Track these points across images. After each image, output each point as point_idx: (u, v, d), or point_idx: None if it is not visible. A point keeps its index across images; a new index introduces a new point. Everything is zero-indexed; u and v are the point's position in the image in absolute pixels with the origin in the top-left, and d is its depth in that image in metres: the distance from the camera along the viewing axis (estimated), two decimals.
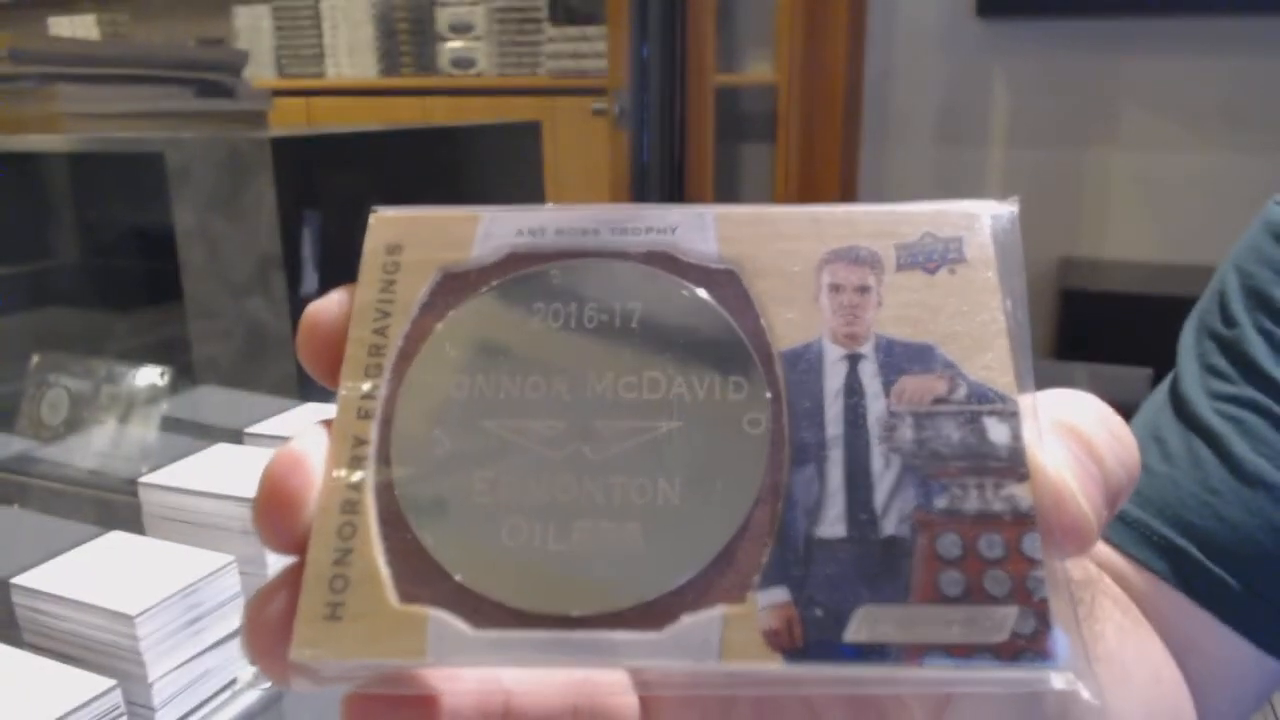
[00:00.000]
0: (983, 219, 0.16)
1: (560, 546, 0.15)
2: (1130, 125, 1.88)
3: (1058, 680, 0.13)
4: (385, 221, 0.17)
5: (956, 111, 2.00)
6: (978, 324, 0.15)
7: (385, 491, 0.15)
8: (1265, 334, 0.39)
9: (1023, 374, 0.15)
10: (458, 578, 0.14)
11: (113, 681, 0.47)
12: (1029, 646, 0.13)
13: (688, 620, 0.14)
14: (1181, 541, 0.38)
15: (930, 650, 0.14)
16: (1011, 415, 0.15)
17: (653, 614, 0.14)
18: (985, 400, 0.15)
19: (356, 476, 0.15)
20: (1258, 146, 1.80)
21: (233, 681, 0.55)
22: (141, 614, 0.49)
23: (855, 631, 0.14)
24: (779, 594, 0.14)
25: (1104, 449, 0.15)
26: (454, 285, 0.17)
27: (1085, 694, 0.13)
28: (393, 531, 0.15)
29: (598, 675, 0.15)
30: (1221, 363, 0.40)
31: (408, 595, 0.14)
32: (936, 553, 0.14)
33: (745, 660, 0.14)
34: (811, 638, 0.14)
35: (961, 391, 0.15)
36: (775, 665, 0.14)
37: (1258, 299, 0.40)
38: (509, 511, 0.15)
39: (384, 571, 0.14)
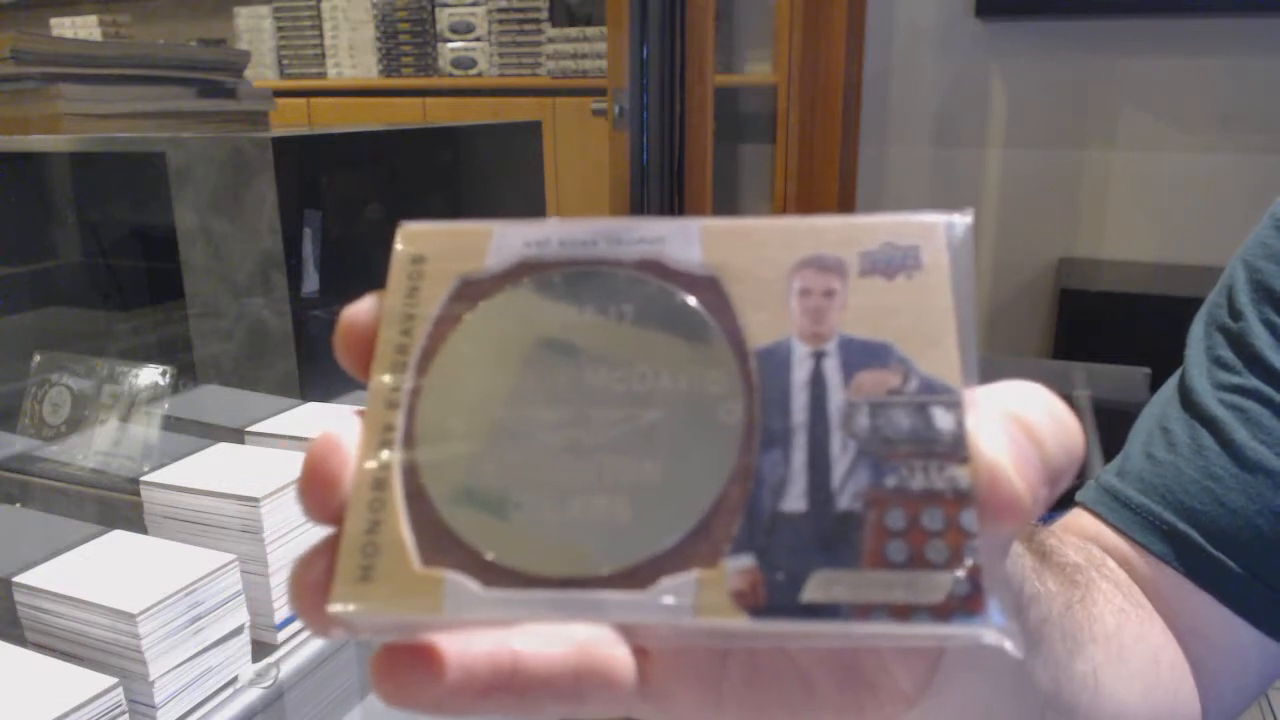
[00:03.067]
0: (939, 229, 0.18)
1: (559, 518, 0.17)
2: (1128, 125, 1.88)
3: (988, 636, 0.15)
4: (410, 235, 0.19)
5: (955, 111, 2.00)
6: (930, 324, 0.17)
7: (410, 471, 0.17)
8: (1269, 326, 0.40)
9: (968, 369, 0.17)
10: (471, 545, 0.16)
11: (114, 679, 0.47)
12: (962, 607, 0.15)
13: (667, 582, 0.16)
14: (1184, 526, 0.38)
15: (876, 609, 0.15)
16: (956, 405, 0.16)
17: (637, 577, 0.16)
18: (933, 392, 0.17)
19: (385, 458, 0.17)
20: (1255, 147, 1.80)
21: (234, 679, 0.56)
22: (143, 612, 0.49)
23: (811, 592, 0.16)
24: (746, 560, 0.16)
25: (1045, 434, 0.17)
26: (470, 291, 0.19)
27: (1009, 648, 0.15)
28: (416, 505, 0.17)
29: (598, 640, 0.17)
30: (1227, 354, 0.40)
31: (428, 560, 0.16)
32: (884, 524, 0.16)
33: (716, 617, 0.16)
34: (773, 598, 0.16)
35: (913, 384, 0.17)
36: (742, 621, 0.16)
37: (1264, 292, 0.40)
38: (516, 489, 0.17)
39: (408, 540, 0.17)
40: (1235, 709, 0.40)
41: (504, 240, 0.19)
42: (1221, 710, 0.39)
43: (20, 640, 0.52)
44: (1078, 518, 0.42)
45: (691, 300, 0.18)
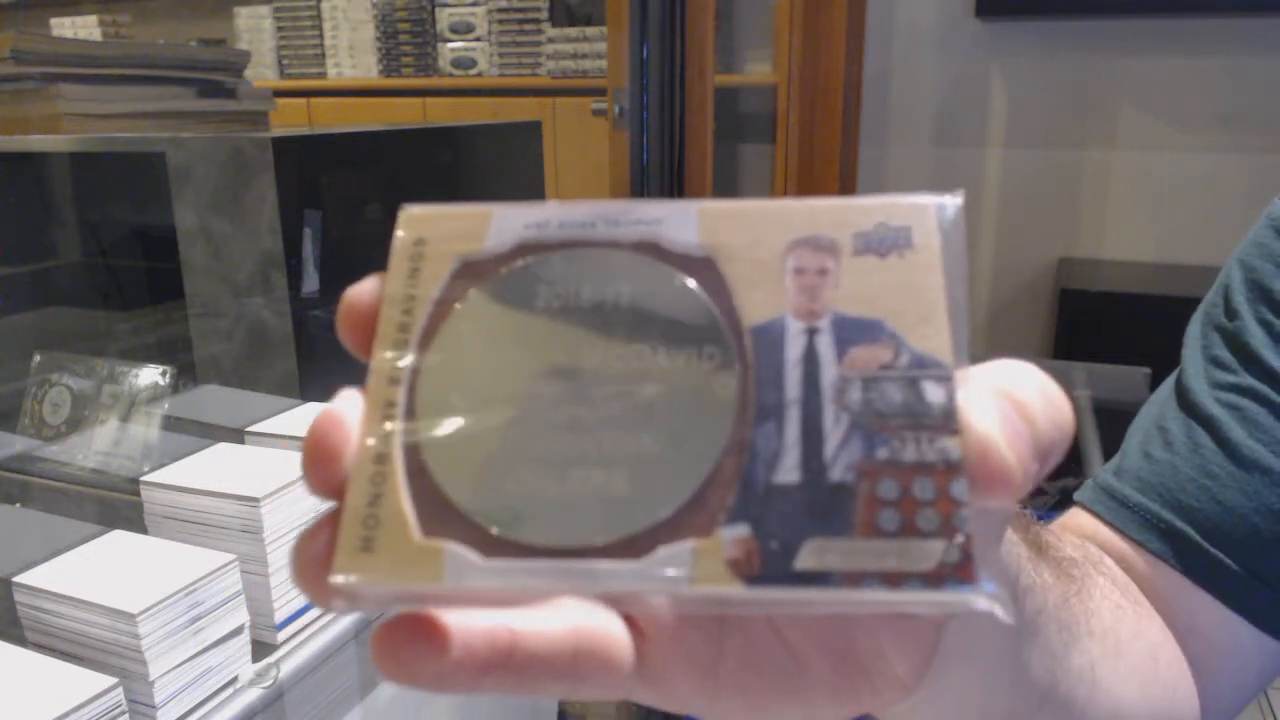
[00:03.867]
0: (930, 210, 0.18)
1: (558, 491, 0.17)
2: (1128, 125, 1.88)
3: (978, 602, 0.15)
4: (412, 217, 0.20)
5: (955, 111, 2.00)
6: (922, 302, 0.17)
7: (411, 446, 0.17)
8: (1265, 325, 0.40)
9: (959, 344, 0.17)
10: (471, 517, 0.17)
11: (114, 680, 0.47)
12: (953, 574, 0.15)
13: (663, 552, 0.16)
14: (1181, 525, 0.38)
15: (868, 577, 0.16)
16: (947, 379, 0.17)
17: (634, 546, 0.16)
18: (925, 367, 0.17)
19: (387, 433, 0.18)
20: (1255, 147, 1.80)
21: (234, 679, 0.56)
22: (143, 612, 0.49)
23: (804, 560, 0.16)
24: (741, 530, 0.16)
25: (1036, 410, 0.17)
26: (470, 272, 0.19)
27: (1000, 614, 0.15)
28: (416, 479, 0.17)
29: (596, 621, 0.17)
30: (1224, 354, 0.41)
31: (429, 531, 0.17)
32: (877, 495, 0.16)
33: (711, 585, 0.16)
34: (767, 566, 0.16)
35: (904, 359, 0.17)
36: (737, 589, 0.16)
37: (1259, 291, 0.40)
38: (515, 462, 0.17)
39: (409, 512, 0.17)
40: (1234, 707, 0.40)
41: (504, 222, 0.19)
42: (1220, 708, 0.39)
43: (20, 640, 0.52)
44: (1075, 517, 0.42)
45: (688, 280, 0.18)
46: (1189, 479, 0.39)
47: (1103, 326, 1.74)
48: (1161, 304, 1.63)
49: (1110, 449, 0.45)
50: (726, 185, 2.20)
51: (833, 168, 1.88)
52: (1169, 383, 0.43)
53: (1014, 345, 2.02)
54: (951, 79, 1.99)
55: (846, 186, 1.93)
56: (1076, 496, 0.43)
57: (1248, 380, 0.39)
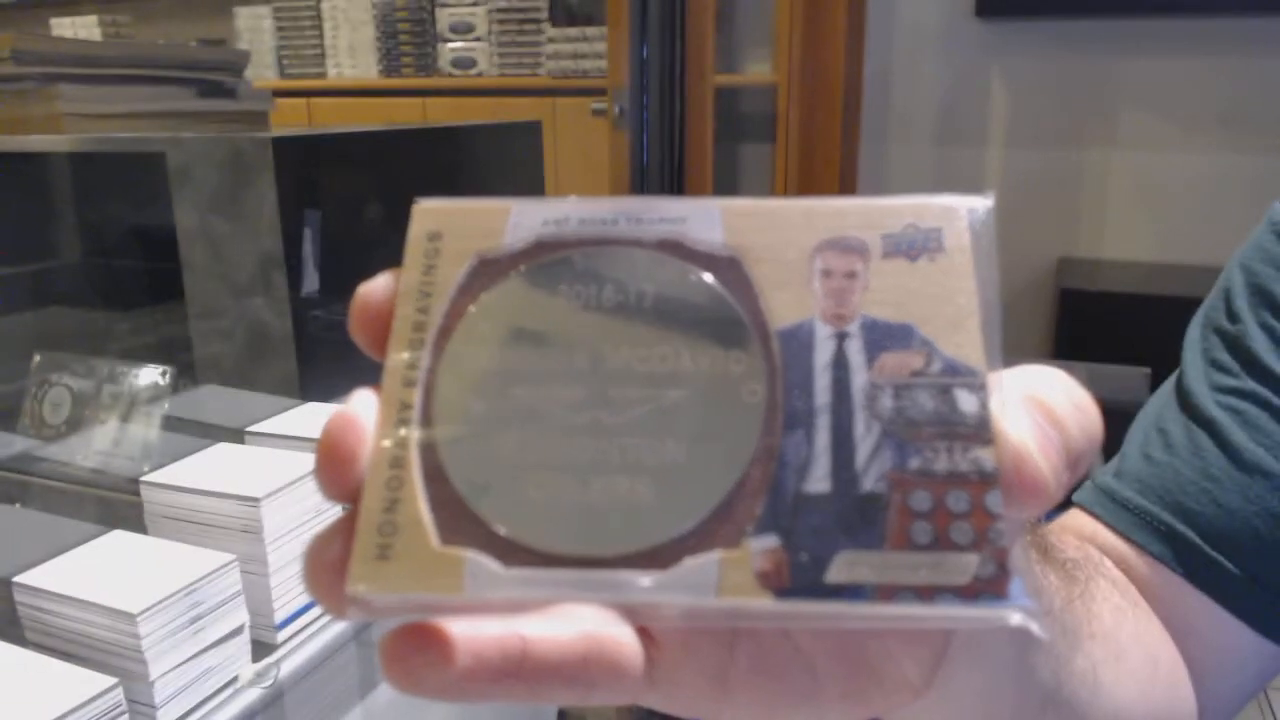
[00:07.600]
0: (961, 212, 0.18)
1: (581, 498, 0.16)
2: (1128, 126, 1.88)
3: (1013, 618, 0.15)
4: (426, 212, 0.19)
5: (955, 112, 2.00)
6: (953, 307, 0.17)
7: (428, 449, 0.17)
8: (1267, 329, 0.40)
9: (991, 351, 0.17)
10: (491, 525, 0.16)
11: (114, 680, 0.47)
12: (988, 589, 0.15)
13: (690, 562, 0.16)
14: (1182, 527, 0.38)
15: (901, 591, 0.15)
16: (980, 387, 0.16)
17: (660, 557, 0.16)
18: (957, 374, 0.17)
19: (403, 436, 0.17)
20: (1256, 147, 1.80)
21: (234, 679, 0.55)
22: (143, 613, 0.49)
23: (835, 573, 0.15)
24: (770, 540, 0.16)
25: (1066, 417, 0.17)
26: (487, 269, 0.18)
27: (1036, 630, 0.15)
28: (434, 484, 0.17)
29: (606, 627, 0.17)
30: (1225, 357, 0.41)
31: (448, 539, 0.16)
32: (909, 506, 0.16)
33: (739, 597, 0.15)
34: (797, 578, 0.15)
35: (936, 366, 0.17)
36: (765, 601, 0.15)
37: (1261, 295, 0.40)
38: (536, 468, 0.17)
39: (427, 519, 0.16)
40: (1232, 708, 0.40)
41: (522, 218, 0.19)
42: (1218, 709, 0.39)
43: (20, 640, 0.52)
44: (1074, 518, 0.42)
45: (713, 280, 0.18)
46: (1190, 481, 0.39)
47: (1102, 326, 1.74)
48: (1161, 304, 1.63)
49: (1110, 450, 0.45)
50: (726, 185, 2.19)
51: (833, 168, 1.88)
52: (1169, 384, 0.43)
53: (1014, 345, 2.01)
54: (952, 79, 1.99)
55: (847, 186, 1.93)
56: (1075, 498, 0.43)
57: (1249, 384, 0.39)
